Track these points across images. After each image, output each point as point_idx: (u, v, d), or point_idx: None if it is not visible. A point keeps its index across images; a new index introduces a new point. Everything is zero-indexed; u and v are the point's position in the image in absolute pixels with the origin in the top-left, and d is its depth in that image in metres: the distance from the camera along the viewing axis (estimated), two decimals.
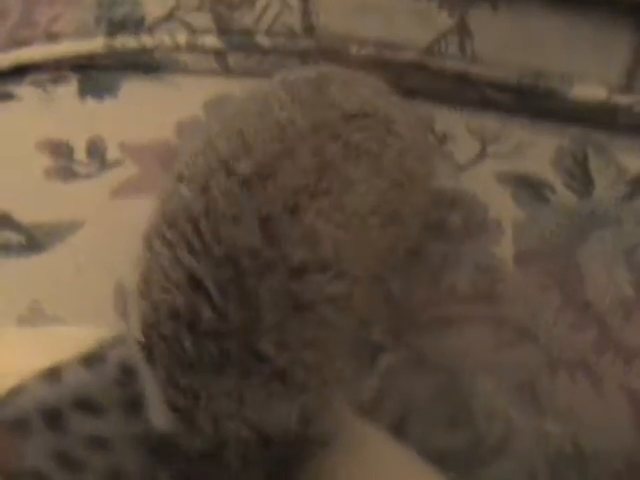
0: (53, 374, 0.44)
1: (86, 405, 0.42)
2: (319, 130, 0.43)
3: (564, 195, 0.60)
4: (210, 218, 0.37)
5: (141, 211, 0.41)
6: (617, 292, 0.55)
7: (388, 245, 0.46)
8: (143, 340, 0.37)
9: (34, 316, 0.53)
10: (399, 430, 0.49)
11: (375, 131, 0.46)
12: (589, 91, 0.61)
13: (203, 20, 0.67)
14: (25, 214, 0.58)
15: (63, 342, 0.47)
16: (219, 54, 0.68)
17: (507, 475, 0.48)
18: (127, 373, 0.42)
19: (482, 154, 0.63)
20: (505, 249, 0.56)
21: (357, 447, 0.43)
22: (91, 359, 0.44)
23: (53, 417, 0.42)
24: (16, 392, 0.44)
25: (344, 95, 0.46)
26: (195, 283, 0.36)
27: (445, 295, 0.54)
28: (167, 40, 0.68)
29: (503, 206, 0.59)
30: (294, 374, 0.36)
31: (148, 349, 0.37)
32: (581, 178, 0.61)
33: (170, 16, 0.68)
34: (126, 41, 0.68)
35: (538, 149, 0.62)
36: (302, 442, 0.36)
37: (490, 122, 0.64)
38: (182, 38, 0.68)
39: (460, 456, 0.48)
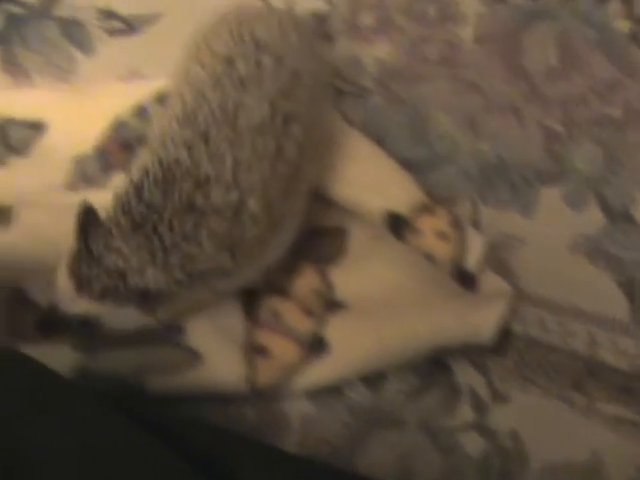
0: (139, 108, 0.68)
1: None
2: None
3: None
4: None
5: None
6: (546, 62, 0.76)
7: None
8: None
9: (132, 76, 0.77)
10: (380, 144, 0.72)
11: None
12: None
13: None
14: (124, 9, 0.81)
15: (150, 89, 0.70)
16: None
17: (451, 175, 0.71)
18: None
19: None
20: (467, 32, 0.77)
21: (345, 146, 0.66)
22: (162, 97, 0.68)
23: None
24: (117, 121, 0.68)
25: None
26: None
27: (419, 61, 0.76)
28: None
29: (470, 3, 0.79)
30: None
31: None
32: None
33: None
34: None
35: None
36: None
37: None
38: None
39: (420, 163, 0.71)
